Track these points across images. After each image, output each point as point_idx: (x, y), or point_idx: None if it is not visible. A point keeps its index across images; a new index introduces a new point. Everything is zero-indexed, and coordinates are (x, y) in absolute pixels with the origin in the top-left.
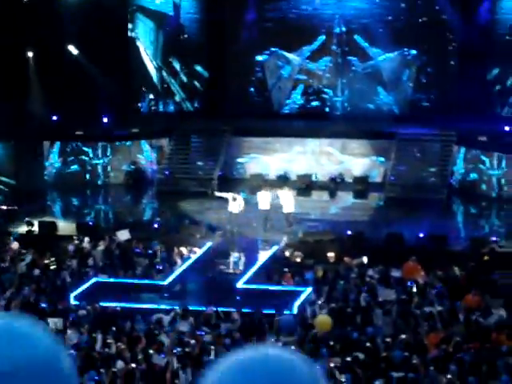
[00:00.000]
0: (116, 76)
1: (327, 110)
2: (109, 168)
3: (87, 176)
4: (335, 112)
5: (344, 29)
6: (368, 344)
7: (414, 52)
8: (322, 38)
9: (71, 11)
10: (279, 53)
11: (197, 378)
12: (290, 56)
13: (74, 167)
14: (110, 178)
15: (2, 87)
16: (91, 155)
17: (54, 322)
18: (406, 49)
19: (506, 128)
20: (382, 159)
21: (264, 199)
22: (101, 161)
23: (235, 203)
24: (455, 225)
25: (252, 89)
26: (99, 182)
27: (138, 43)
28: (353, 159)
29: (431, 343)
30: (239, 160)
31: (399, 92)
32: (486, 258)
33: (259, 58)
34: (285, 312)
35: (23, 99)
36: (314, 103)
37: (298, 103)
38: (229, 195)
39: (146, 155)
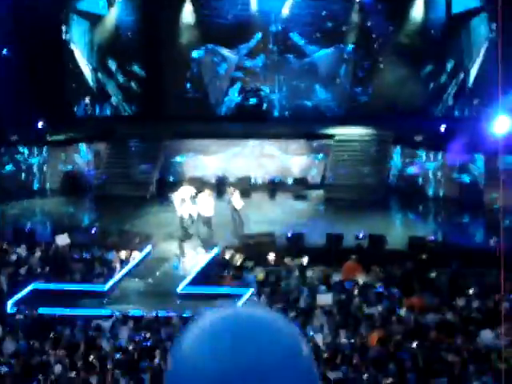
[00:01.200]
0: (51, 79)
1: (265, 106)
2: (45, 172)
3: (22, 179)
4: (272, 110)
5: (280, 27)
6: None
7: (350, 47)
8: (258, 36)
9: (4, 13)
10: (215, 49)
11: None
12: (226, 53)
13: (9, 167)
14: (46, 183)
15: None
16: (26, 157)
17: None
18: (342, 45)
19: (442, 128)
20: (321, 160)
21: (206, 203)
22: (36, 162)
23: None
24: (393, 224)
25: (188, 85)
26: (35, 187)
27: (73, 45)
28: (291, 160)
29: (372, 343)
30: (178, 163)
31: (336, 87)
32: (423, 256)
33: (195, 54)
34: None
35: None
36: (252, 100)
37: (236, 101)
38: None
39: (83, 159)
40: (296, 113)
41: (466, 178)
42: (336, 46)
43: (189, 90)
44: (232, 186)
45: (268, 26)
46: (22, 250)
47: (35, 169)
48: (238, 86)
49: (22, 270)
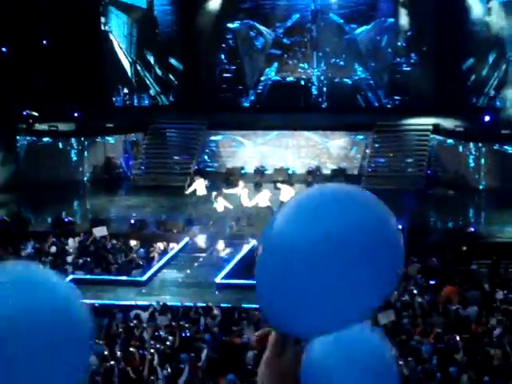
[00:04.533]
0: (89, 70)
1: (302, 82)
2: (83, 162)
3: (61, 169)
4: (311, 88)
5: (319, 7)
6: None
7: (391, 20)
8: (297, 15)
9: (44, 6)
10: (251, 23)
11: (174, 373)
12: (263, 28)
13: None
14: (85, 173)
15: None
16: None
17: None
18: (383, 18)
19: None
20: (360, 149)
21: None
22: (74, 152)
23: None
24: (434, 216)
25: (223, 56)
26: (74, 177)
27: (112, 37)
28: (330, 150)
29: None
30: (215, 154)
31: (378, 61)
32: (464, 248)
33: (230, 25)
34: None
35: None
36: (289, 79)
37: (273, 79)
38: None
39: (121, 150)
40: (335, 90)
41: (508, 170)
42: (377, 20)
43: (225, 66)
44: (272, 178)
45: (306, 6)
46: (61, 241)
47: (73, 159)
48: (275, 66)
49: (63, 260)
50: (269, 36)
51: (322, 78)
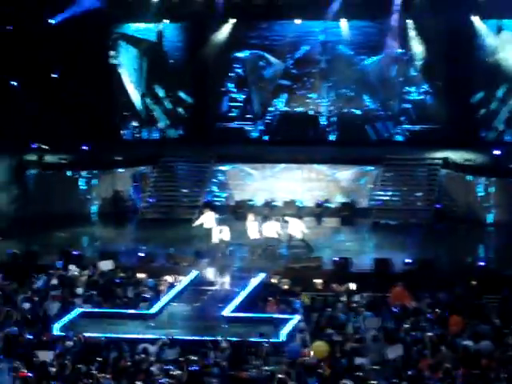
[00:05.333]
0: (99, 103)
1: (311, 113)
2: (92, 195)
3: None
4: (319, 118)
5: (328, 38)
6: (358, 373)
7: (401, 50)
8: (306, 47)
9: (53, 39)
10: (261, 54)
11: None
12: (273, 59)
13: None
14: (93, 206)
15: None
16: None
17: (44, 355)
18: (392, 49)
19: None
20: (368, 183)
21: (255, 227)
22: (83, 185)
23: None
24: (442, 249)
25: (231, 85)
26: (82, 210)
27: (121, 70)
28: (338, 184)
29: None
30: (224, 187)
31: (388, 90)
32: (473, 282)
33: (239, 54)
34: (272, 340)
35: (3, 127)
36: (298, 109)
37: (281, 110)
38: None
39: (130, 183)
40: (344, 121)
41: None
42: (386, 50)
43: (233, 95)
44: (281, 211)
45: (315, 38)
46: (73, 271)
47: (82, 192)
48: (284, 95)
49: (72, 293)
50: (278, 67)
51: (332, 108)
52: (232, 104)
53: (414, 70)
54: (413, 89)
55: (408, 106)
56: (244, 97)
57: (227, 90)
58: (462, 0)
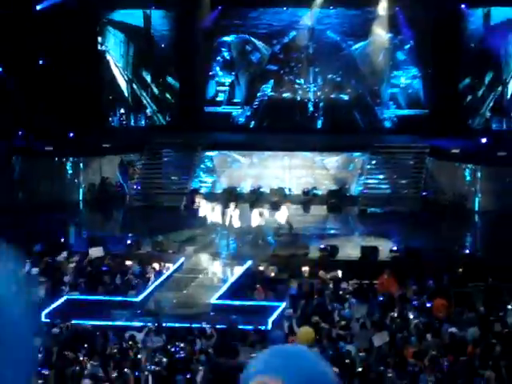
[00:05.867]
0: (86, 89)
1: (298, 98)
2: (79, 183)
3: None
4: (307, 104)
5: (316, 24)
6: (346, 360)
7: (389, 35)
8: (293, 32)
9: (41, 25)
10: (248, 38)
11: None
12: (260, 43)
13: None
14: (80, 193)
15: None
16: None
17: None
18: (379, 34)
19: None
20: (356, 170)
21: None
22: (70, 172)
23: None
24: (429, 237)
25: (218, 69)
26: (70, 198)
27: (108, 56)
28: (325, 171)
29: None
30: (211, 174)
31: (375, 75)
32: (460, 270)
33: (226, 38)
34: (260, 327)
35: None
36: (286, 95)
37: (269, 95)
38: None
39: (117, 170)
40: (331, 107)
41: (503, 192)
42: (373, 38)
43: (220, 80)
44: (268, 198)
45: (303, 24)
46: (60, 258)
47: (69, 179)
48: (271, 81)
49: (60, 281)
50: (265, 51)
51: (319, 93)
52: (219, 88)
53: (402, 54)
54: (400, 73)
55: (396, 90)
56: (231, 81)
57: (214, 73)
58: None
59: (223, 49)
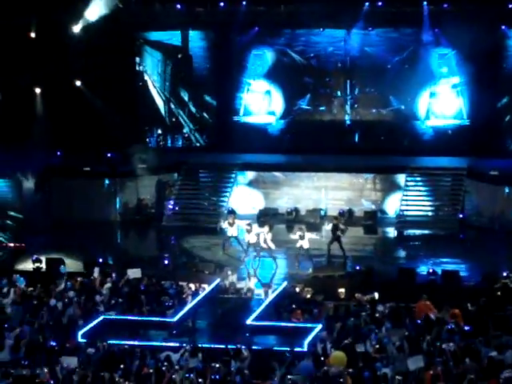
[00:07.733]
0: (124, 111)
1: (334, 111)
2: (117, 203)
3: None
4: (344, 118)
5: (353, 44)
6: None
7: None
8: (330, 48)
9: (78, 46)
10: (285, 50)
11: None
12: (296, 56)
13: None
14: (118, 214)
15: (9, 122)
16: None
17: (68, 361)
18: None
19: None
20: (393, 192)
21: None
22: (108, 193)
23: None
24: (467, 260)
25: (253, 83)
26: (107, 218)
27: (146, 76)
28: (361, 193)
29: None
30: (248, 194)
31: (413, 89)
32: (498, 293)
33: (256, 52)
34: (296, 349)
35: (28, 134)
36: (321, 108)
37: (305, 109)
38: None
39: (154, 190)
40: (368, 124)
41: None
42: (409, 51)
43: (255, 92)
44: (302, 220)
45: (340, 42)
46: (96, 275)
47: (106, 200)
48: (308, 94)
49: (93, 300)
50: (301, 64)
51: (356, 107)
52: (254, 102)
53: (443, 64)
54: (440, 85)
55: (434, 102)
56: (267, 95)
57: (249, 86)
58: (490, 8)
59: (258, 62)
